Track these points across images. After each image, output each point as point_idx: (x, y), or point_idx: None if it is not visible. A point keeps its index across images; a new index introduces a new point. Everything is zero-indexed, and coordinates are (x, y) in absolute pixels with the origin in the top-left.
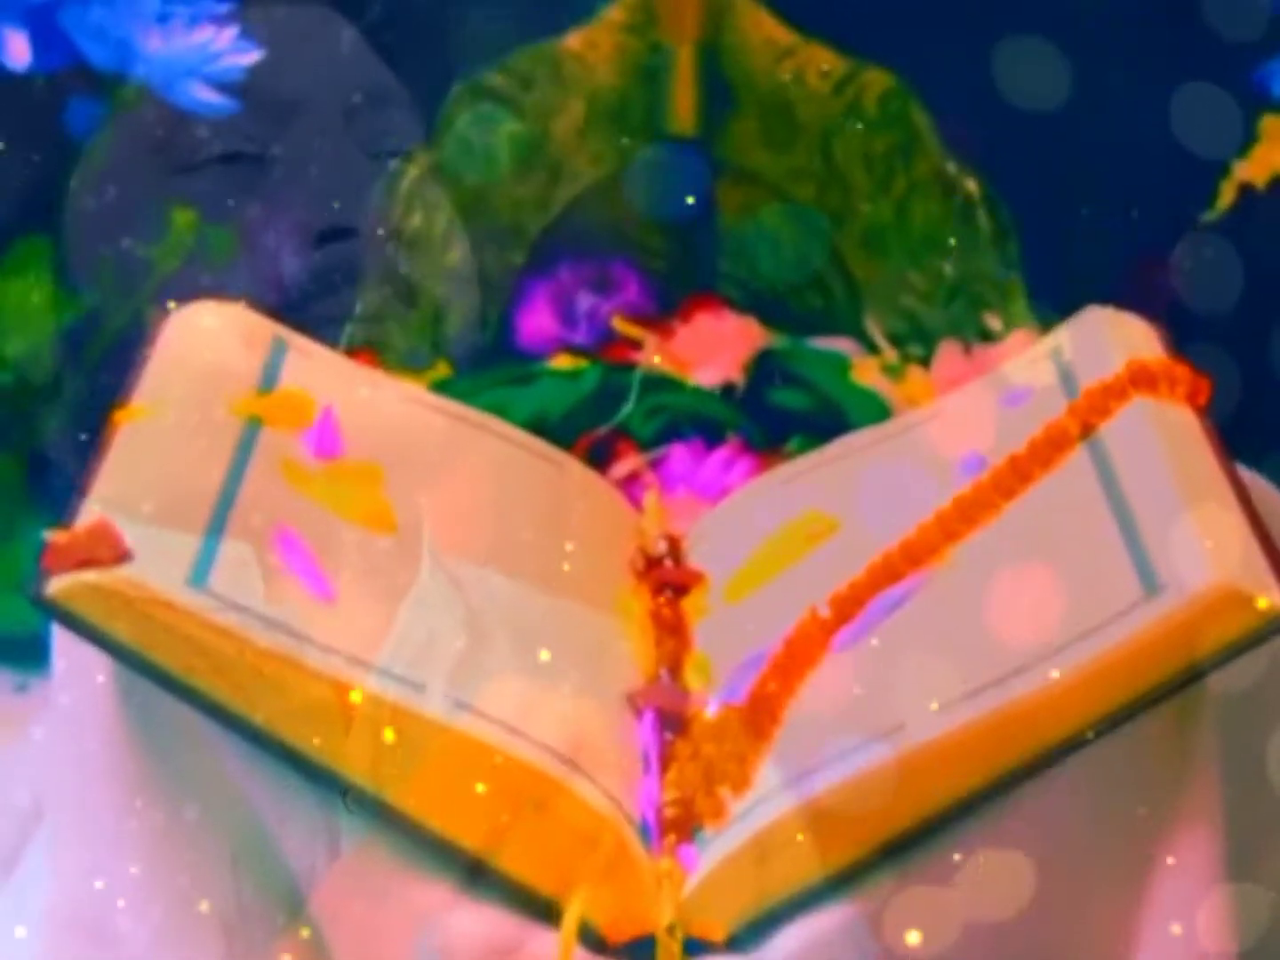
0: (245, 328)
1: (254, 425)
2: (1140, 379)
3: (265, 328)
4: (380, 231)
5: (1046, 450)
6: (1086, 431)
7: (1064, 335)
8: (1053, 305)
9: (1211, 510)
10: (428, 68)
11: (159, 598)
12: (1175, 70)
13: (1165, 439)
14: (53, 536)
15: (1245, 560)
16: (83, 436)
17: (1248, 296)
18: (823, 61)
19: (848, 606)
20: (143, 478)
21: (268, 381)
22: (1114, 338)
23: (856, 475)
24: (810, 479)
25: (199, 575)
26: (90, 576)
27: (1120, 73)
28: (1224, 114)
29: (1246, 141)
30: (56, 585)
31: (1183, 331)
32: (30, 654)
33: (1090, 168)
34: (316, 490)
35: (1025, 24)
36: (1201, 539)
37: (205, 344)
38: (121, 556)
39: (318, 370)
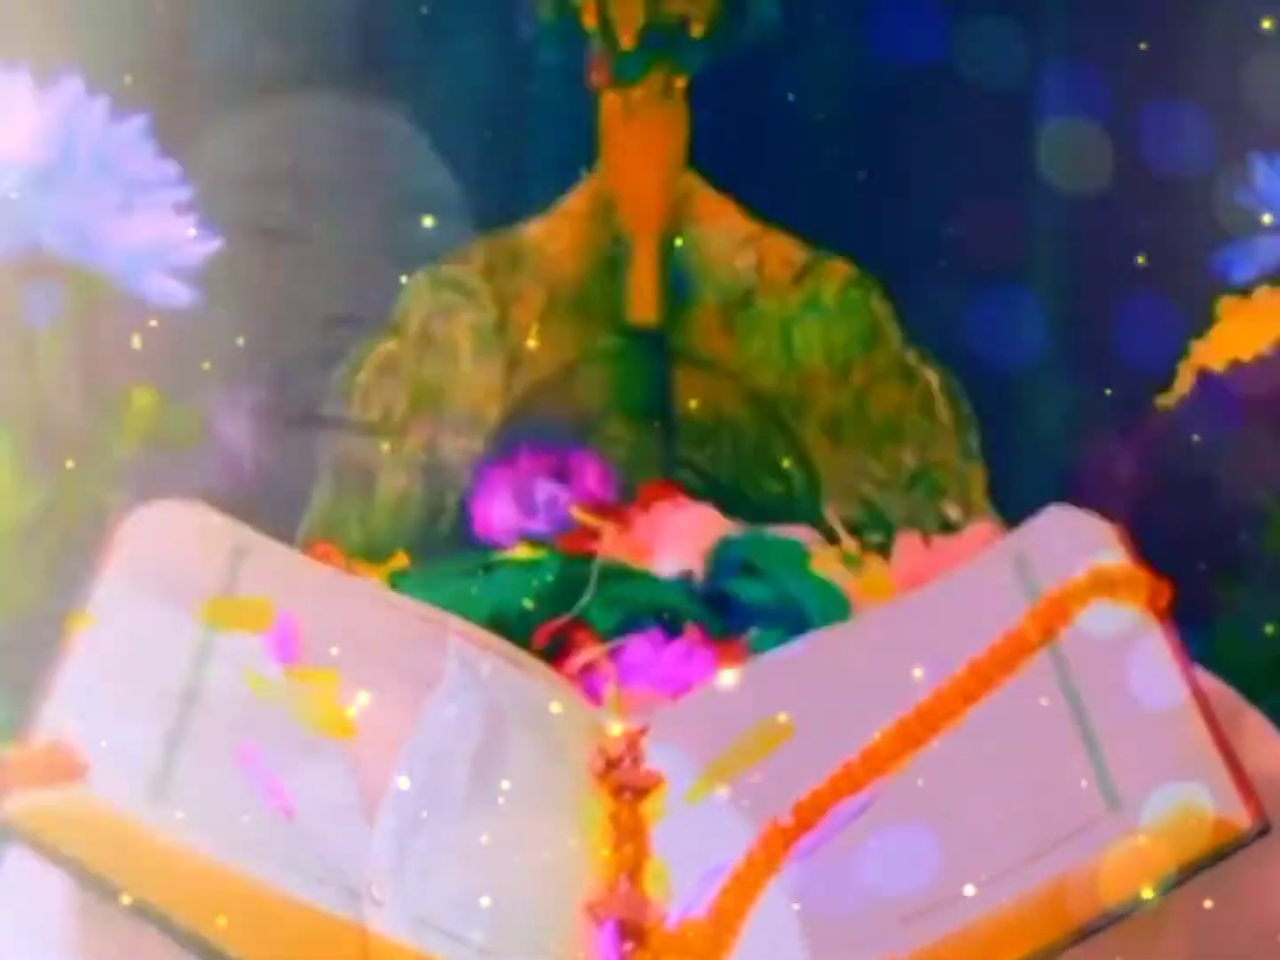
0: (205, 530)
1: (213, 630)
2: (1101, 584)
3: (225, 530)
4: (338, 420)
5: (1007, 656)
6: (1047, 637)
7: (1024, 535)
8: (1012, 492)
9: (1173, 723)
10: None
11: (117, 818)
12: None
13: (1126, 647)
14: (5, 754)
15: (1208, 776)
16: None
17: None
18: (783, 251)
19: (809, 814)
20: (100, 686)
21: (227, 585)
22: (1075, 540)
23: (816, 677)
24: (769, 679)
25: (158, 790)
26: (47, 798)
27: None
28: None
29: (1204, 324)
30: (11, 807)
31: (1141, 517)
32: None
33: (1046, 352)
34: (275, 697)
35: (991, 219)
36: (1163, 754)
37: (164, 548)
38: (77, 774)
39: (276, 572)
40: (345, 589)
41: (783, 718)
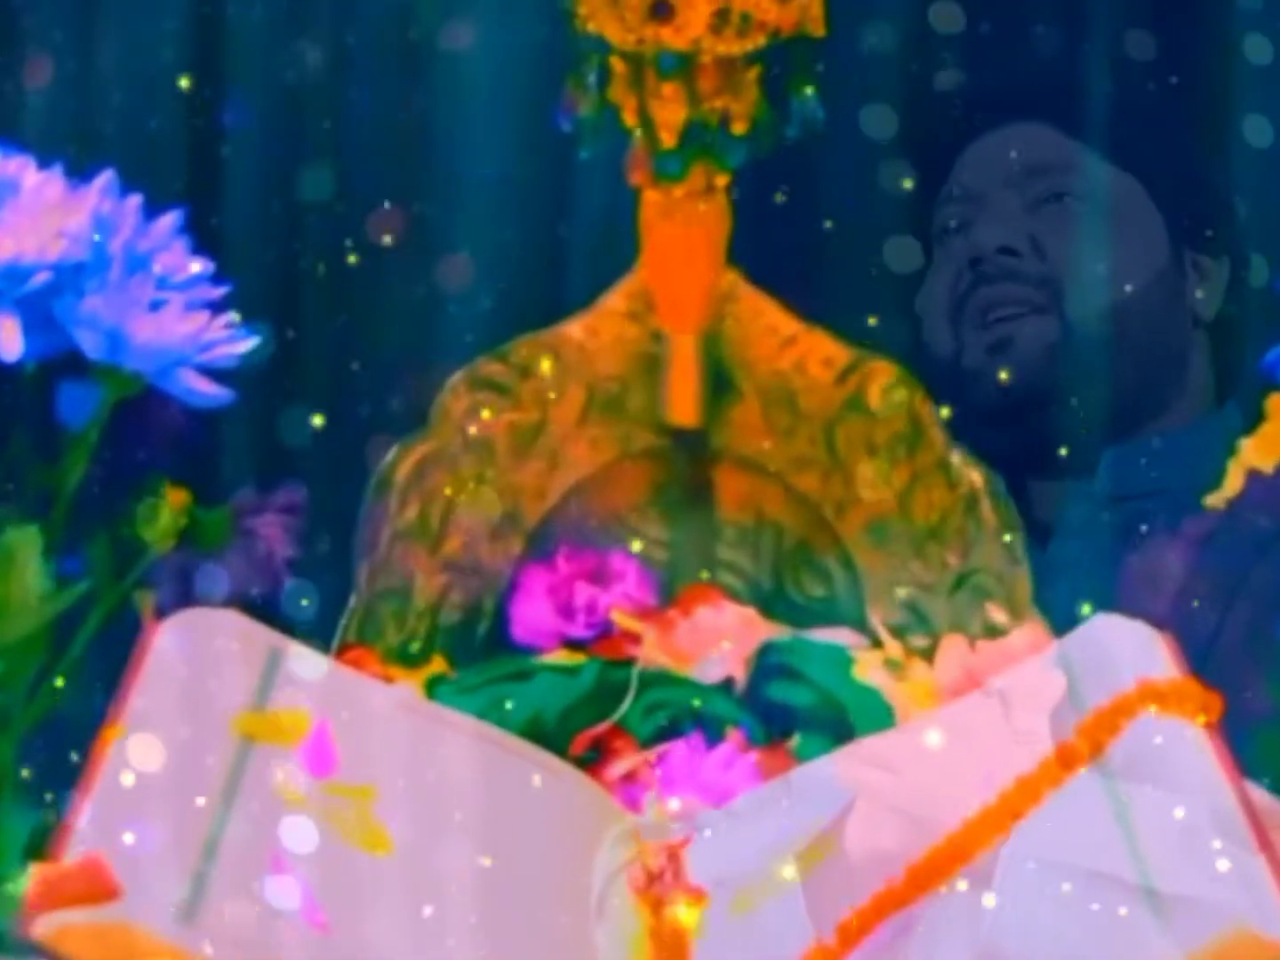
0: (238, 639)
1: (247, 742)
2: (1150, 697)
3: (258, 638)
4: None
5: (1054, 770)
6: (1095, 751)
7: (1071, 645)
8: (1060, 594)
9: (1224, 840)
10: (424, 353)
11: (150, 941)
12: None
13: (1175, 761)
14: (38, 871)
15: (1261, 898)
16: (73, 757)
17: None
18: (825, 350)
19: (853, 935)
20: (133, 802)
21: (261, 696)
22: (1122, 650)
23: (859, 790)
24: (813, 789)
25: (190, 911)
26: (79, 918)
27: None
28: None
29: (1254, 422)
30: (43, 926)
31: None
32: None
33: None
34: (311, 812)
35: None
36: (1213, 872)
37: (198, 658)
38: (111, 894)
39: (311, 681)
40: (381, 698)
41: (826, 830)
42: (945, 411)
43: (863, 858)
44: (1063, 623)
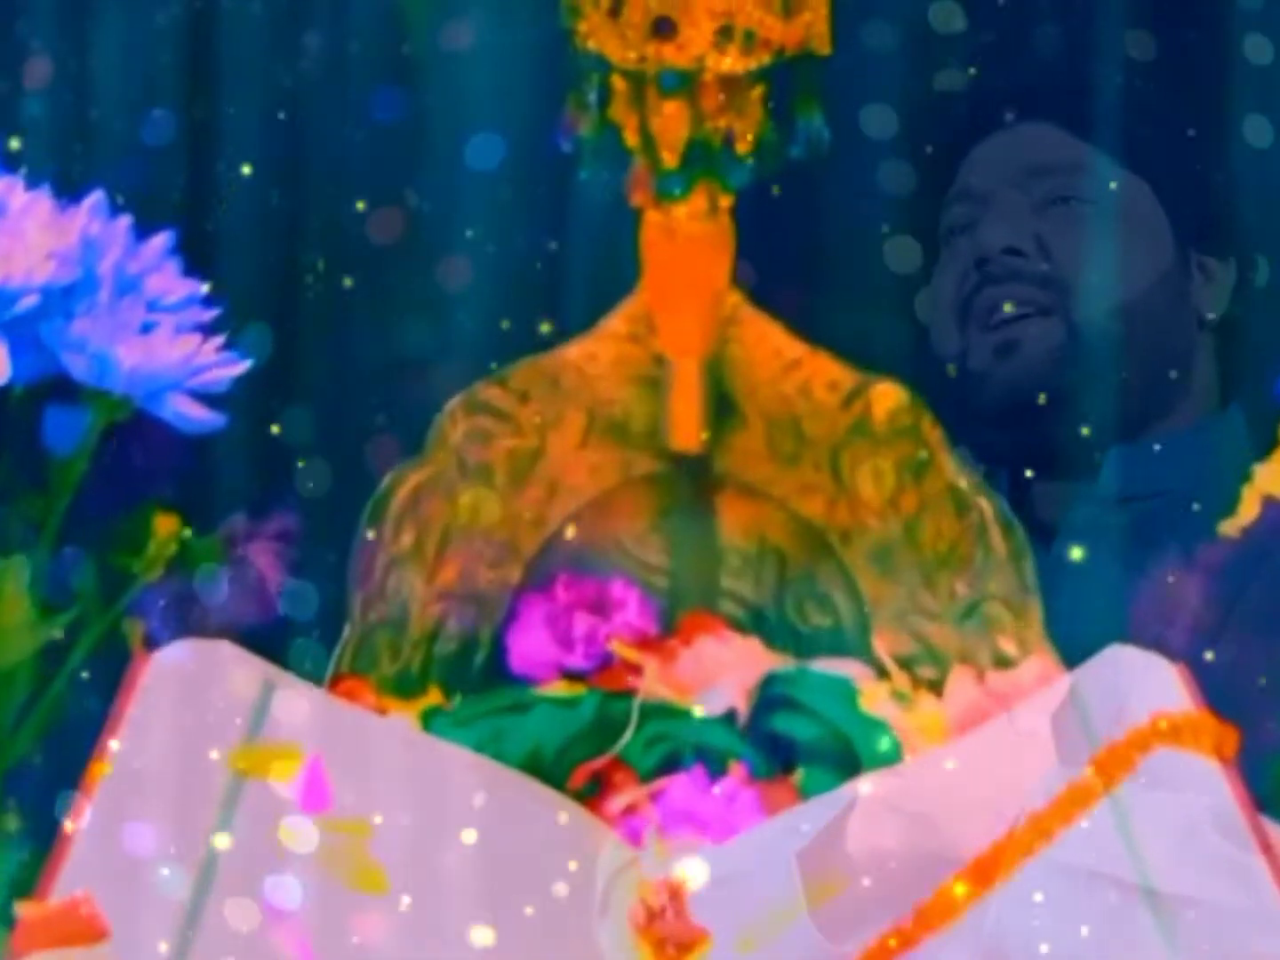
0: (230, 671)
1: (240, 778)
2: (1165, 731)
3: (250, 669)
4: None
5: (1068, 806)
6: (1109, 786)
7: (1084, 677)
8: (1070, 624)
9: (1240, 877)
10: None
11: None
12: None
13: (1191, 796)
14: (25, 910)
15: (1262, 898)
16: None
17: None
18: (830, 374)
19: None
20: (122, 840)
21: (254, 730)
22: (1137, 684)
23: (867, 823)
24: (818, 825)
25: (180, 953)
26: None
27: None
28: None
29: (1268, 448)
30: None
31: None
32: None
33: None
34: (305, 849)
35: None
36: (1229, 910)
37: (188, 691)
38: (99, 935)
39: (305, 713)
40: (376, 731)
41: (834, 867)
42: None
43: (870, 894)
44: (1065, 625)
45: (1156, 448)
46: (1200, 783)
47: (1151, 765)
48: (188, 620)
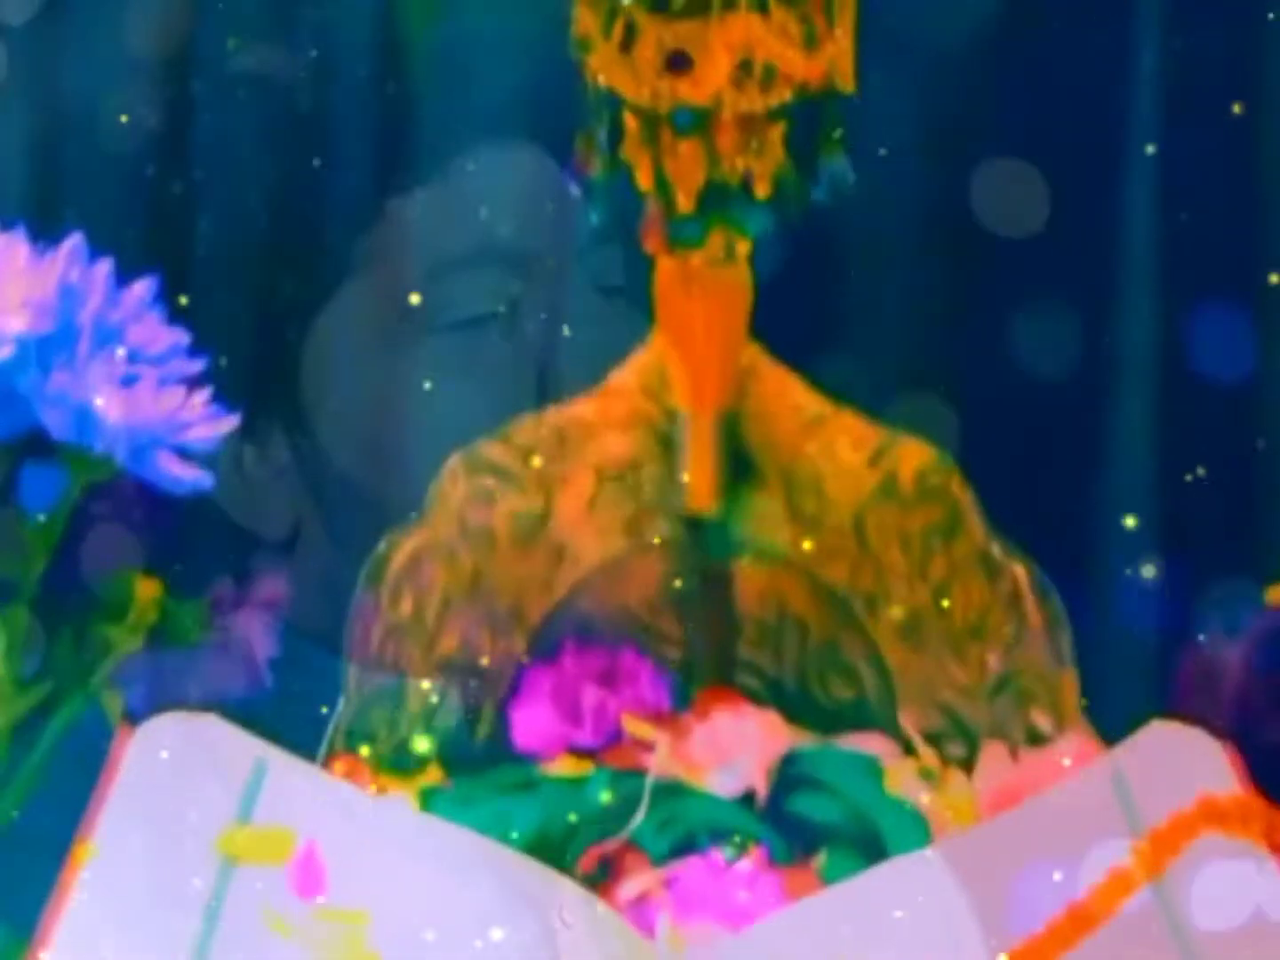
0: (219, 747)
1: (231, 862)
2: (1211, 816)
3: (241, 746)
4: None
5: (1109, 896)
6: (1153, 874)
7: (1125, 756)
8: (1108, 700)
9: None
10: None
11: None
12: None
13: (1239, 884)
14: None
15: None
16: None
17: None
18: (855, 431)
19: None
20: (107, 928)
21: (245, 809)
22: (1182, 763)
23: (891, 914)
24: (842, 913)
25: None
26: None
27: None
28: None
29: None
30: None
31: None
32: None
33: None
34: (299, 939)
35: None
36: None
37: (175, 769)
38: None
39: (298, 793)
40: (373, 812)
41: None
42: None
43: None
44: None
45: None
46: (1249, 870)
47: (1198, 851)
48: (171, 692)
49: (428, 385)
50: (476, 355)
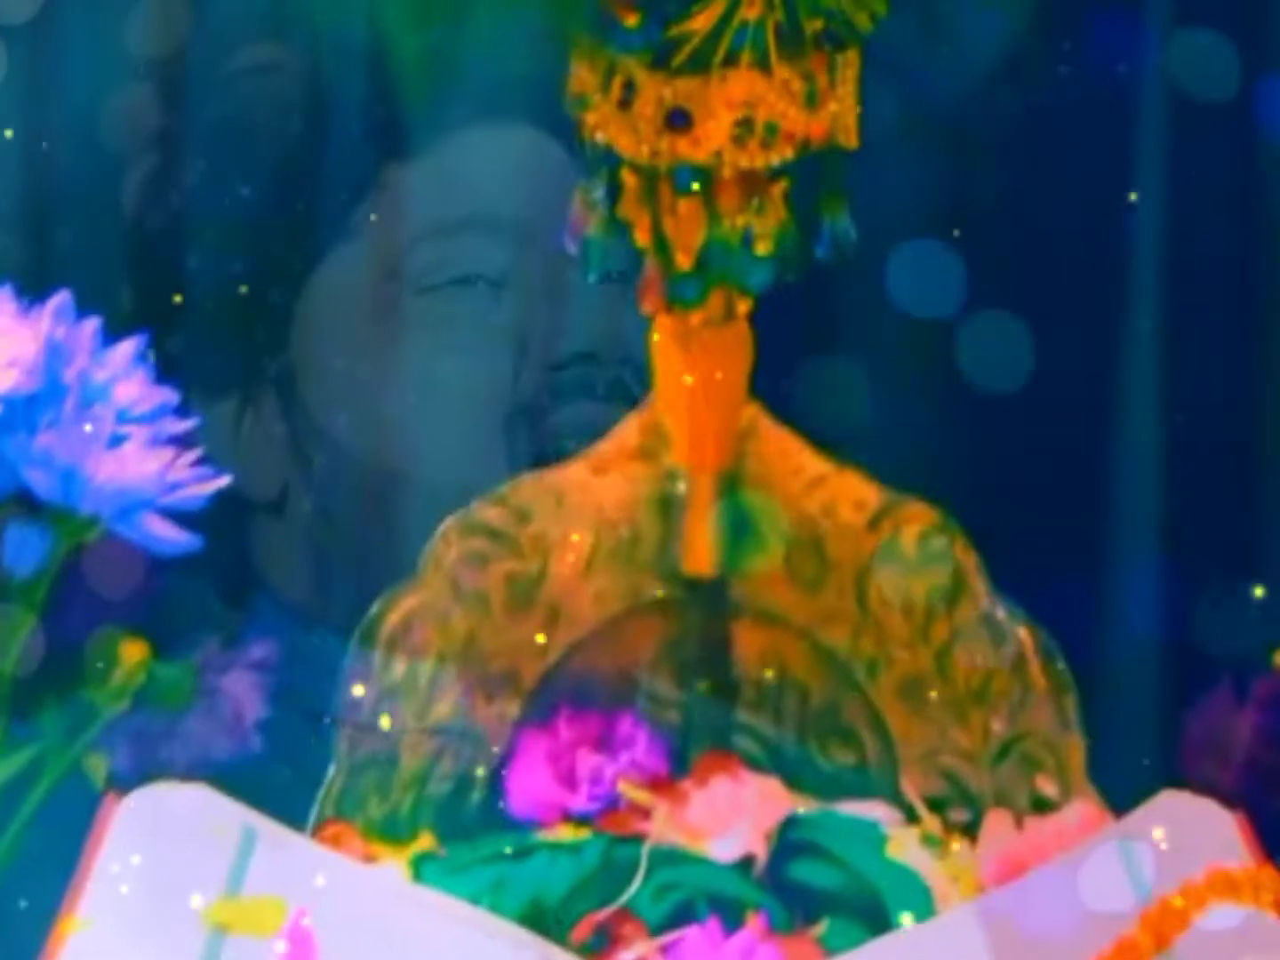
0: (208, 818)
1: (220, 933)
2: (1222, 886)
3: (229, 816)
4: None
5: None
6: (1161, 946)
7: (1134, 825)
8: (1114, 765)
9: None
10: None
11: None
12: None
13: (1250, 956)
14: None
15: None
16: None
17: None
18: (856, 492)
19: None
20: None
21: (234, 880)
22: (1192, 834)
23: None
24: None
25: None
26: None
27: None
28: None
29: None
30: None
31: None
32: None
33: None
34: None
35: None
36: None
37: (163, 840)
38: None
39: (287, 864)
40: (364, 882)
41: None
42: None
43: None
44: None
45: None
46: (1262, 943)
47: (1207, 924)
48: (157, 757)
49: (411, 347)
50: (460, 318)
